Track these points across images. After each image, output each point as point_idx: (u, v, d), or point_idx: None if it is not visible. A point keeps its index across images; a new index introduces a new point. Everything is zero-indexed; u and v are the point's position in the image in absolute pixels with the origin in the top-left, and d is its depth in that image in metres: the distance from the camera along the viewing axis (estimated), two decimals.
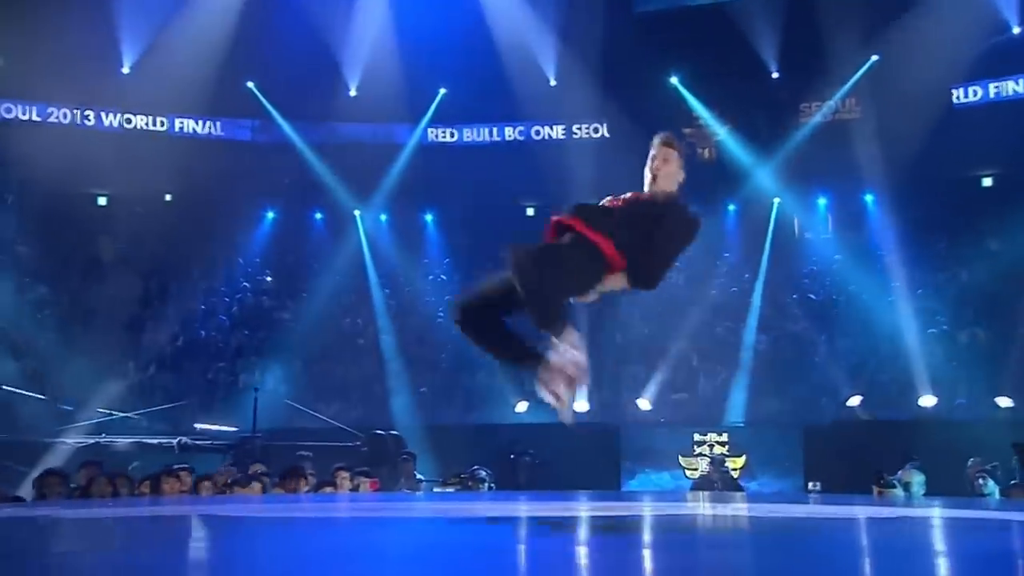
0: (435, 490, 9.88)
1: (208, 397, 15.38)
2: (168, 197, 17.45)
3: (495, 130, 18.28)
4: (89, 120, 16.90)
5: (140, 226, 16.49)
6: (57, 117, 16.65)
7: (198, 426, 13.69)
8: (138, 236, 16.68)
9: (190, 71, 16.18)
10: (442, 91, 17.94)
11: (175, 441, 12.59)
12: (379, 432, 12.05)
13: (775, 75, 17.14)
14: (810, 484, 11.72)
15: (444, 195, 17.96)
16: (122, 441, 12.97)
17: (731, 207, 17.71)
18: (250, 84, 17.56)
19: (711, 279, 17.13)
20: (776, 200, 17.22)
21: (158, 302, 17.12)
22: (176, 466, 7.97)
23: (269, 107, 17.74)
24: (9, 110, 16.53)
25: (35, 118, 16.55)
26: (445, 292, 17.95)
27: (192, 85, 16.40)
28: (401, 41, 16.96)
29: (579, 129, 17.99)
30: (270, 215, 18.39)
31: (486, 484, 9.17)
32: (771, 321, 16.26)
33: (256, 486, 7.65)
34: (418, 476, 10.18)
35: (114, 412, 14.00)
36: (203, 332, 17.23)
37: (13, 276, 15.99)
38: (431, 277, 18.28)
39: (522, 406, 14.28)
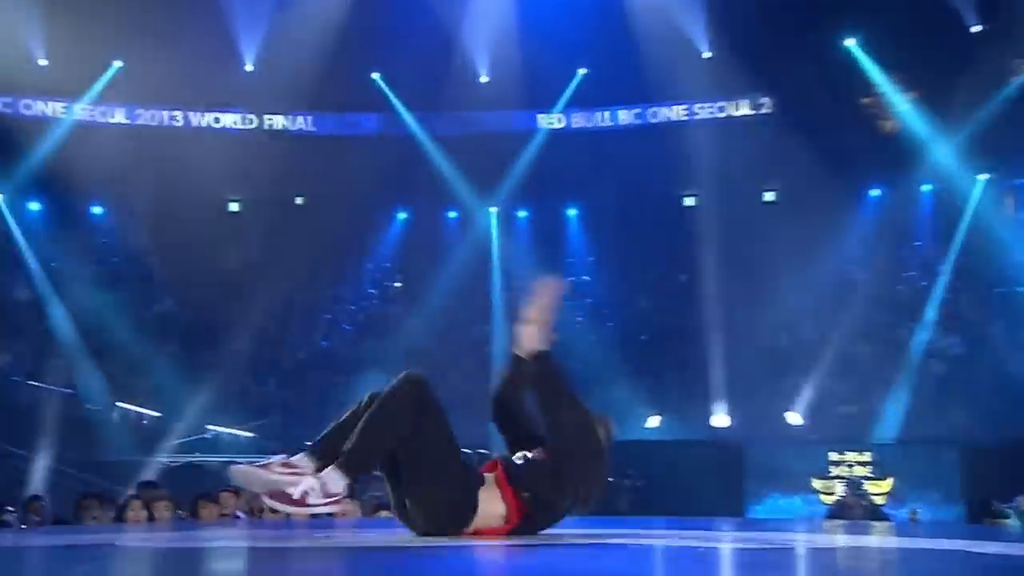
0: None
1: (322, 412, 14.39)
2: (299, 200, 16.68)
3: (643, 112, 16.70)
4: (216, 122, 16.47)
5: (272, 233, 15.63)
6: (181, 120, 16.28)
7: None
8: (269, 243, 16.00)
9: (311, 65, 15.39)
10: (581, 71, 16.48)
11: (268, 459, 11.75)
12: (465, 451, 11.02)
13: (975, 29, 14.86)
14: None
15: (589, 186, 16.57)
16: (214, 460, 12.73)
17: (925, 187, 15.59)
18: (375, 76, 16.53)
19: (897, 272, 15.22)
20: (982, 177, 14.99)
21: (284, 313, 16.33)
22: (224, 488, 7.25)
23: (396, 100, 16.77)
24: (138, 116, 16.21)
25: (163, 123, 16.27)
26: (587, 295, 16.60)
27: (315, 80, 15.60)
28: (532, 20, 15.79)
29: (739, 106, 16.24)
30: (402, 216, 17.41)
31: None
32: (956, 322, 14.34)
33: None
34: None
35: (227, 429, 13.83)
36: (325, 343, 16.54)
37: (140, 289, 15.53)
38: (572, 279, 16.85)
39: (654, 420, 13.47)
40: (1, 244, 15.56)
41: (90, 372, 14.20)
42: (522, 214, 17.49)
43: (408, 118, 16.77)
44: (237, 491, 7.49)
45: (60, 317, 14.75)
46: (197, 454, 13.21)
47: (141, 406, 14.13)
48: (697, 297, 15.37)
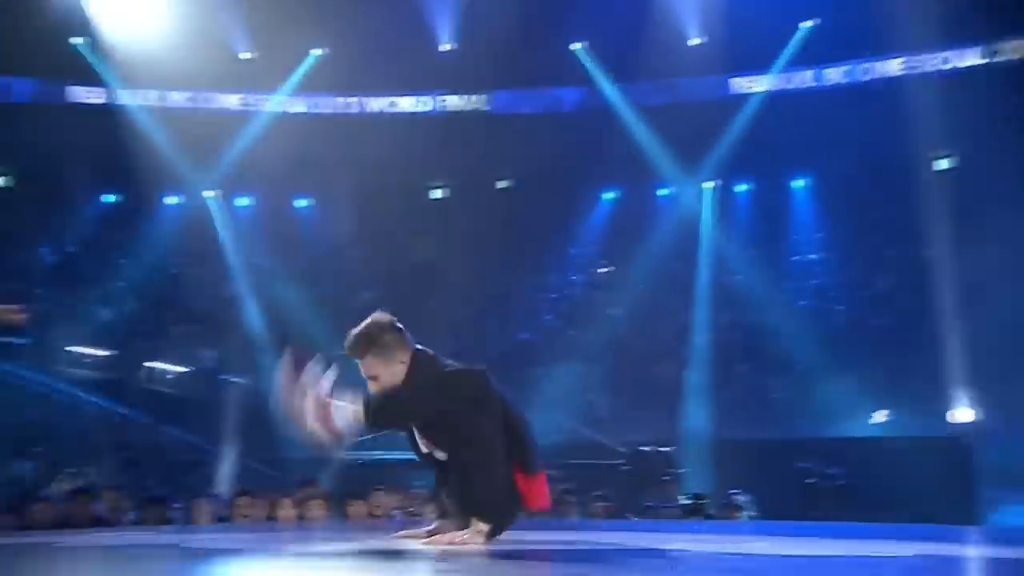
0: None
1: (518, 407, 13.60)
2: (502, 184, 16.17)
3: (879, 66, 15.11)
4: (413, 106, 16.25)
5: (473, 219, 15.21)
6: (379, 106, 16.18)
7: None
8: (470, 231, 15.49)
9: (508, 41, 14.74)
10: (807, 24, 14.87)
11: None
12: (644, 448, 10.96)
13: None
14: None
15: (819, 154, 15.03)
16: (395, 457, 11.88)
17: None
18: (576, 47, 15.64)
19: None
20: None
21: (484, 304, 15.76)
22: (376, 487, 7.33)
23: (598, 72, 15.93)
24: (337, 104, 16.20)
25: (362, 110, 16.19)
26: (814, 276, 15.13)
27: (513, 57, 15.01)
28: None
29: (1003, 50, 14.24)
30: (609, 195, 16.52)
31: (744, 512, 8.01)
32: None
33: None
34: (682, 500, 8.69)
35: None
36: (525, 335, 15.93)
37: (341, 283, 15.34)
38: (797, 257, 15.37)
39: (880, 415, 12.56)
40: (209, 242, 15.78)
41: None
42: (741, 188, 16.24)
43: (612, 91, 15.90)
44: (391, 490, 7.53)
45: (260, 313, 14.76)
46: (378, 452, 12.83)
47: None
48: (943, 276, 13.62)
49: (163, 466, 11.91)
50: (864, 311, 14.84)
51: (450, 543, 3.46)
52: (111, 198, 16.30)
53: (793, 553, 3.38)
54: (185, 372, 14.04)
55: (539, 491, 3.67)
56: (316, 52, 15.57)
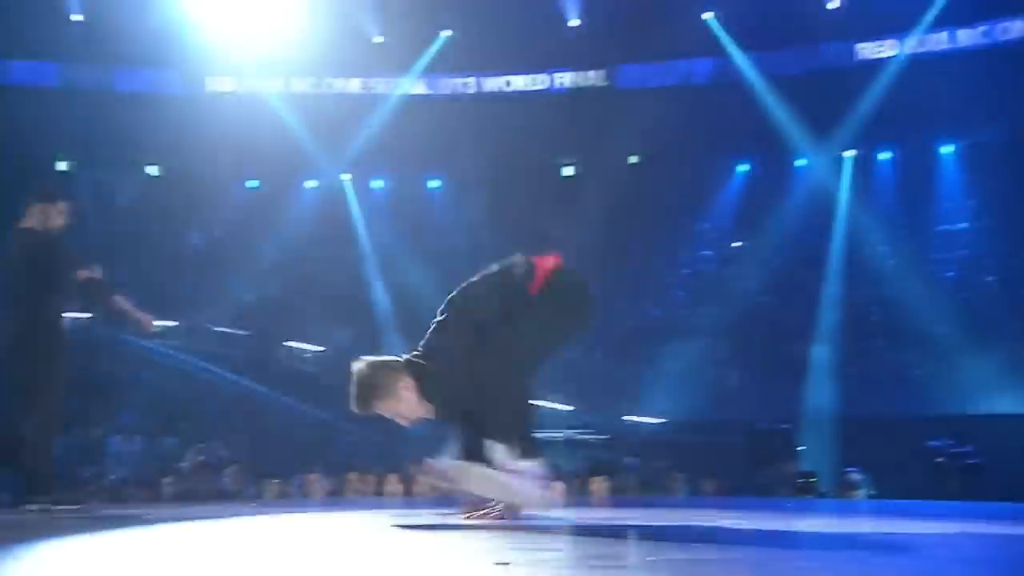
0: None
1: (645, 385, 13.74)
2: (634, 160, 15.99)
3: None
4: (543, 84, 16.21)
5: (604, 195, 15.16)
6: (509, 85, 16.15)
7: (628, 418, 12.88)
8: (601, 206, 15.29)
9: (638, 13, 14.69)
10: None
11: (559, 434, 12.07)
12: (761, 426, 10.74)
13: None
14: None
15: (969, 120, 14.34)
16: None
17: None
18: (707, 16, 15.38)
19: None
20: None
21: (614, 280, 15.71)
22: None
23: (730, 42, 15.56)
24: (467, 85, 16.30)
25: (494, 89, 16.24)
26: (963, 246, 14.43)
27: (643, 29, 14.80)
28: None
29: None
30: (743, 168, 16.22)
31: (861, 490, 7.90)
32: None
33: None
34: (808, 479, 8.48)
35: (548, 403, 13.00)
36: (655, 311, 15.83)
37: (471, 263, 15.44)
38: (944, 227, 14.68)
39: None
40: (344, 224, 16.22)
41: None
42: (883, 156, 15.61)
43: (744, 60, 15.49)
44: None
45: (390, 294, 15.11)
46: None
47: None
48: None
49: (295, 442, 12.29)
50: (1016, 282, 14.11)
51: (484, 518, 3.49)
52: (254, 183, 17.12)
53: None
54: (320, 352, 14.57)
55: None
56: (445, 34, 15.80)
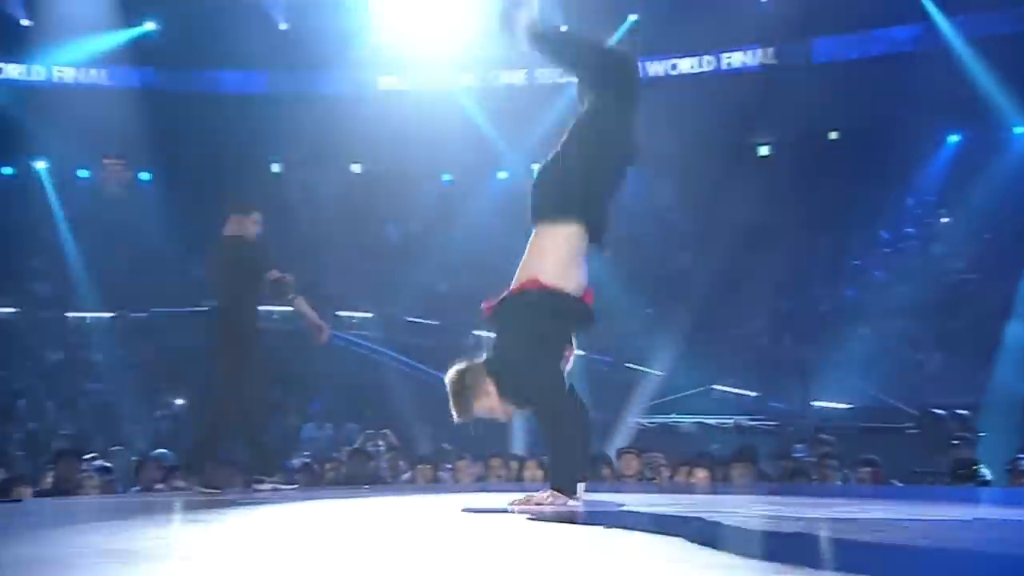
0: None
1: (839, 370, 13.08)
2: (834, 135, 15.75)
3: None
4: (729, 64, 16.08)
5: (801, 174, 14.86)
6: (692, 66, 16.07)
7: (818, 404, 12.59)
8: (798, 186, 15.09)
9: None
10: None
11: (731, 422, 12.19)
12: (937, 411, 10.47)
13: None
14: None
15: None
16: (687, 421, 12.68)
17: None
18: None
19: None
20: None
21: (808, 262, 15.23)
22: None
23: (934, 6, 14.79)
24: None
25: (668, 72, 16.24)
26: None
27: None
28: None
29: None
30: (953, 139, 15.43)
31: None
32: None
33: None
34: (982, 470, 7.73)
35: (732, 389, 13.49)
36: (851, 292, 15.27)
37: (659, 247, 15.51)
38: None
39: None
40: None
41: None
42: None
43: (948, 26, 14.63)
44: (638, 453, 7.61)
45: None
46: (674, 415, 12.98)
47: (646, 366, 14.11)
48: None
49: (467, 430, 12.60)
50: None
51: (529, 505, 3.56)
52: (447, 177, 17.77)
53: None
54: None
55: None
56: (632, 18, 15.76)
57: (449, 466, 7.98)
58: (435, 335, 14.94)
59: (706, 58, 16.12)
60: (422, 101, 16.34)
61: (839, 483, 7.16)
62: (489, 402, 3.71)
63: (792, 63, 15.54)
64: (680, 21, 14.83)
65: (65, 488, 6.43)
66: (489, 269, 16.42)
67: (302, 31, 15.95)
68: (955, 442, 8.81)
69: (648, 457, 7.52)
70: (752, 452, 7.57)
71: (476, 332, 15.06)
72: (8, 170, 17.27)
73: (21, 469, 9.00)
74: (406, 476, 7.99)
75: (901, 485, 7.39)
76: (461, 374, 3.72)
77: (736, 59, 15.94)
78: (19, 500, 5.59)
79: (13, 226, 15.61)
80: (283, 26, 16.37)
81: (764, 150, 16.21)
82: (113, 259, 15.18)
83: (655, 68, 16.14)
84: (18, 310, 15.19)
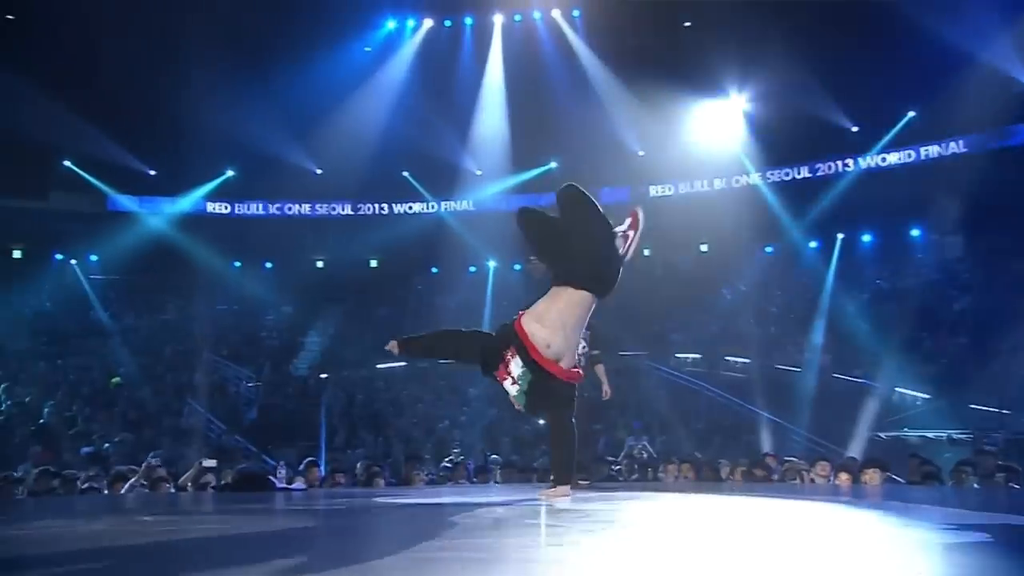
0: None
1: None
2: None
3: None
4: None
5: None
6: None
7: None
8: None
9: None
10: None
11: (945, 435, 12.96)
12: None
13: None
14: None
15: None
16: (912, 435, 13.87)
17: None
18: None
19: None
20: None
21: None
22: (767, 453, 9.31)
23: None
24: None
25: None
26: None
27: None
28: None
29: None
30: None
31: None
32: None
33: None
34: None
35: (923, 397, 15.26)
36: None
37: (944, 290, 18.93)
38: None
39: None
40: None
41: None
42: None
43: None
44: (775, 457, 9.22)
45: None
46: (906, 428, 14.65)
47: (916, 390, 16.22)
48: None
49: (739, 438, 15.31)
50: None
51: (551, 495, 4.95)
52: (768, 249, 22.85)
53: None
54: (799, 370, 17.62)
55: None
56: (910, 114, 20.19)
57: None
58: (744, 369, 18.46)
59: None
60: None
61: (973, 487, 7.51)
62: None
63: None
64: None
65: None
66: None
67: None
68: None
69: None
70: (881, 461, 7.98)
71: (779, 367, 18.13)
72: None
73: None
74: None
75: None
76: None
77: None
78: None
79: None
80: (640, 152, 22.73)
81: None
82: None
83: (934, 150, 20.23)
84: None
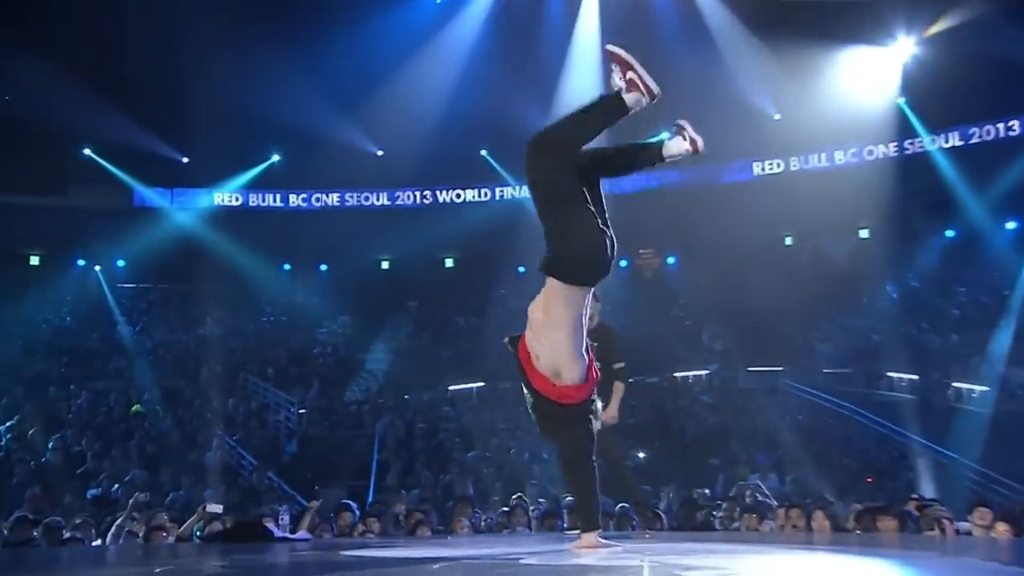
0: None
1: None
2: None
3: None
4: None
5: None
6: None
7: None
8: None
9: None
10: None
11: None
12: None
13: None
14: None
15: None
16: None
17: None
18: None
19: None
20: None
21: None
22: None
23: None
24: None
25: None
26: None
27: None
28: None
29: None
30: None
31: None
32: None
33: None
34: None
35: None
36: None
37: None
38: None
39: None
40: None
41: None
42: None
43: None
44: (917, 501, 8.69)
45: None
46: None
47: None
48: None
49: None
50: None
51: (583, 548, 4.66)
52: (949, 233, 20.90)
53: None
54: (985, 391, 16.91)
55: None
56: None
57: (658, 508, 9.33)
58: (912, 389, 17.63)
59: None
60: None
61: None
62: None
63: None
64: None
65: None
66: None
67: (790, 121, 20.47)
68: None
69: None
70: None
71: (958, 384, 17.51)
72: None
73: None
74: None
75: None
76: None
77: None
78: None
79: None
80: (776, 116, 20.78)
81: None
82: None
83: None
84: None
